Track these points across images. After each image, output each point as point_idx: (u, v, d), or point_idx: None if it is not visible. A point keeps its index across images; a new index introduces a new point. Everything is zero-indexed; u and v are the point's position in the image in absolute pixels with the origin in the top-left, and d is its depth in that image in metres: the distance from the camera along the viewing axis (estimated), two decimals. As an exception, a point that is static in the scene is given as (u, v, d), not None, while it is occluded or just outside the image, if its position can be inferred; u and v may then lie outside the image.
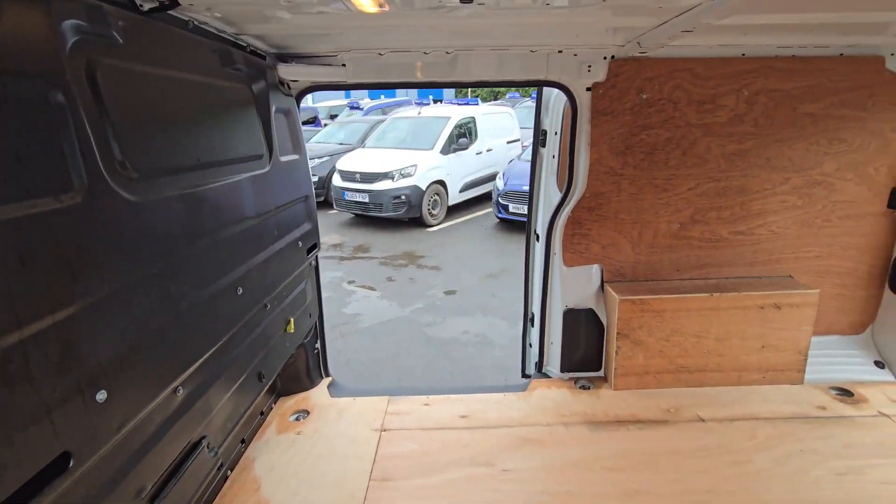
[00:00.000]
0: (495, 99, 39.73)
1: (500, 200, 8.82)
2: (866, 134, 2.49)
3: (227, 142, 1.81)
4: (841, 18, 1.87)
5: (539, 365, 3.07)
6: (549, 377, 3.01)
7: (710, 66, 2.37)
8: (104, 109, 1.21)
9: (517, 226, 9.11)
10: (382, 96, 26.05)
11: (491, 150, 10.88)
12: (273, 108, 2.21)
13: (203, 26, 1.70)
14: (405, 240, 8.97)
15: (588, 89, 2.44)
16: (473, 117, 10.65)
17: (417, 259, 7.92)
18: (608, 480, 2.15)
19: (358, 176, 9.64)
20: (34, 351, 0.98)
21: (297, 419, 2.69)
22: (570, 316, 2.86)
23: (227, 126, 1.83)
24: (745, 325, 2.64)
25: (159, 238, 1.39)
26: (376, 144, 10.89)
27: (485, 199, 11.17)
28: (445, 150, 9.85)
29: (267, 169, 2.11)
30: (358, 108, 19.52)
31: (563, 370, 2.95)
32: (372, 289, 6.80)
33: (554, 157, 2.92)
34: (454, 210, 10.38)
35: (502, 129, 11.40)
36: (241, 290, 1.81)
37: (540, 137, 2.94)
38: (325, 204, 10.73)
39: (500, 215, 9.00)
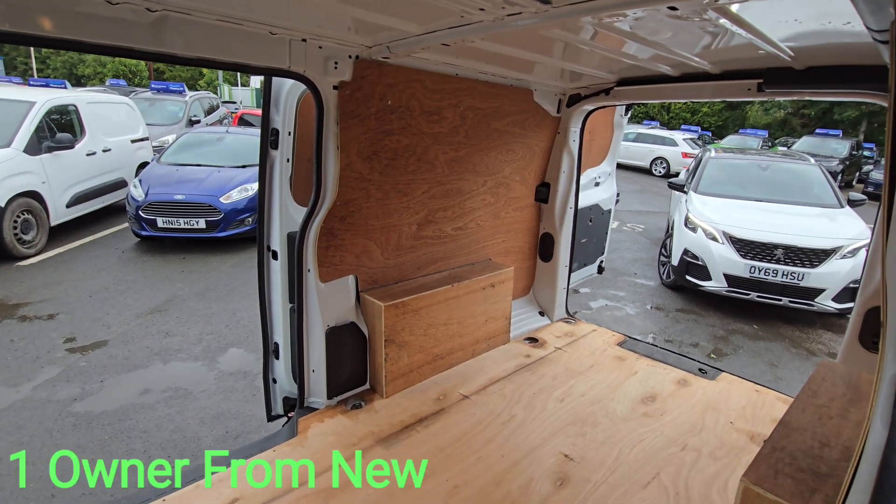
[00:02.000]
0: (79, 84, 31.27)
1: (143, 214, 7.00)
2: (525, 147, 3.34)
3: None
4: (512, 53, 2.37)
5: (300, 401, 2.66)
6: (314, 409, 2.64)
7: (437, 80, 2.60)
8: None
9: (171, 243, 7.52)
10: None
11: (109, 150, 8.44)
12: None
13: None
14: (-21, 284, 5.89)
15: (335, 87, 2.22)
16: (75, 105, 7.93)
17: (16, 309, 5.36)
18: (427, 490, 2.09)
19: None
20: None
21: None
22: (333, 335, 2.59)
23: None
24: (475, 305, 3.10)
25: None
26: None
27: (110, 213, 8.68)
28: (34, 149, 6.96)
29: None
30: None
31: (330, 396, 2.66)
32: (-70, 373, 4.14)
33: (288, 160, 2.53)
34: (61, 232, 7.57)
35: (121, 123, 9.02)
36: None
37: (270, 137, 2.48)
38: None
39: (143, 233, 7.15)
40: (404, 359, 2.78)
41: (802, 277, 5.61)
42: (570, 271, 3.83)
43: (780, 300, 5.74)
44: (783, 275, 5.66)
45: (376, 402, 2.71)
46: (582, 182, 4.04)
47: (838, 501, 0.95)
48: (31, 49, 34.03)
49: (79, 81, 34.33)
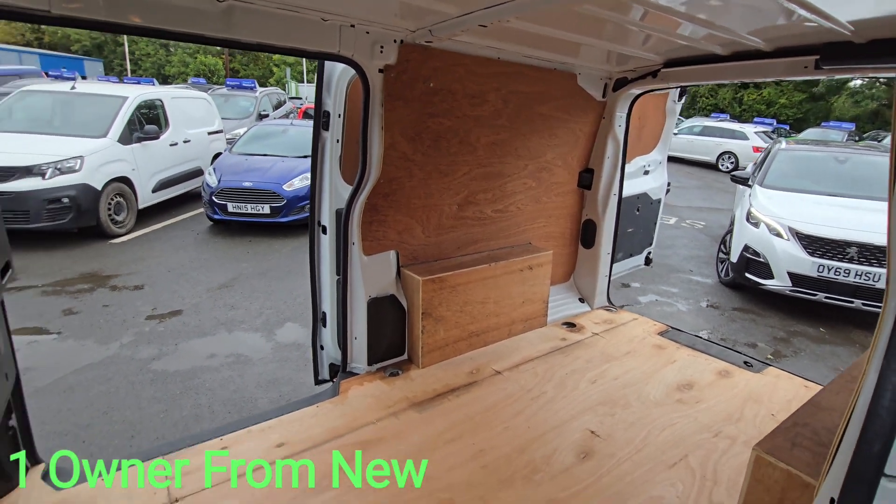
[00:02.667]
0: (165, 82, 34.03)
1: (215, 199, 7.63)
2: (568, 132, 3.35)
3: None
4: (555, 34, 2.40)
5: (343, 366, 2.87)
6: (356, 374, 2.85)
7: (480, 64, 2.69)
8: None
9: (239, 227, 8.13)
10: (-27, 61, 18.38)
11: (189, 141, 9.24)
12: None
13: None
14: (80, 258, 6.69)
15: (381, 71, 2.38)
16: (161, 100, 8.75)
17: (108, 279, 6.05)
18: (454, 452, 2.21)
19: (-27, 172, 6.55)
20: None
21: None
22: (374, 305, 2.77)
23: None
24: (512, 286, 3.18)
25: None
26: (-2, 127, 7.63)
27: (189, 199, 9.49)
28: (126, 139, 7.77)
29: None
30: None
31: (370, 363, 2.85)
32: (42, 329, 4.80)
33: (338, 141, 2.73)
34: (148, 215, 8.39)
35: (199, 117, 9.82)
36: None
37: (322, 119, 2.69)
38: None
39: (215, 216, 7.79)
40: (440, 333, 2.92)
41: (879, 278, 5.15)
42: (613, 260, 3.80)
43: (853, 302, 5.31)
44: (856, 275, 5.23)
45: (412, 371, 2.86)
46: (630, 170, 3.98)
47: (830, 453, 0.97)
48: (126, 51, 37.51)
49: (165, 80, 37.44)
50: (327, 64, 2.57)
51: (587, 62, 3.08)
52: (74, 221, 6.95)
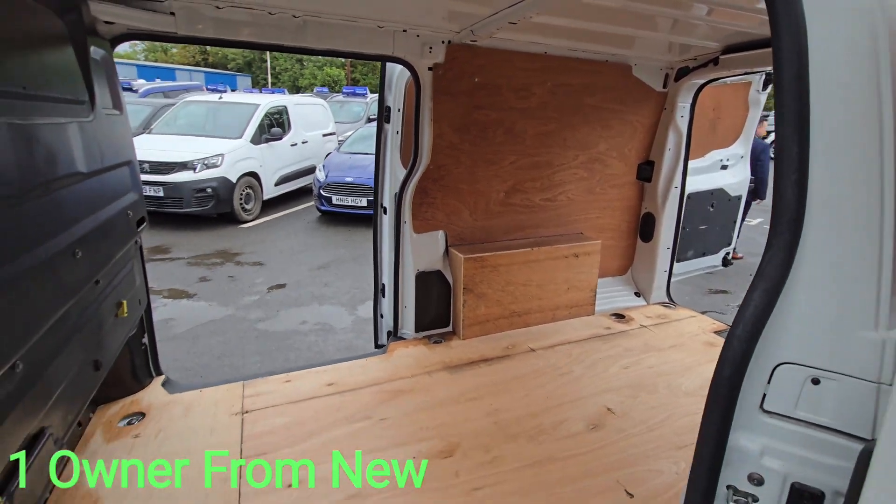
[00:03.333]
0: (298, 92, 38.28)
1: (322, 192, 8.66)
2: (624, 123, 3.38)
3: (47, 76, 1.50)
4: (602, 28, 2.50)
5: (395, 331, 3.25)
6: (404, 339, 3.21)
7: (525, 59, 2.90)
8: None
9: (342, 218, 9.09)
10: (158, 79, 22.72)
11: (307, 142, 10.53)
12: (91, 51, 1.86)
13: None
14: (216, 237, 8.06)
15: (430, 69, 2.71)
16: (285, 106, 10.14)
17: (235, 256, 7.23)
18: (472, 408, 2.46)
19: (147, 166, 8.22)
20: None
21: (128, 423, 2.31)
22: (422, 279, 3.11)
23: (42, 58, 1.50)
24: (557, 272, 3.30)
25: None
26: (166, 131, 9.45)
27: (303, 193, 10.79)
28: (256, 140, 9.15)
29: (91, 119, 1.78)
30: (130, 89, 16.41)
31: (417, 330, 3.19)
32: (183, 291, 5.97)
33: (398, 132, 3.12)
34: (270, 205, 9.75)
35: (317, 121, 11.14)
36: (79, 254, 1.51)
37: (384, 114, 3.11)
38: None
39: (322, 208, 8.83)
40: (481, 308, 3.17)
41: None
42: (676, 257, 3.68)
43: None
44: None
45: (454, 341, 3.15)
46: (705, 164, 3.84)
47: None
48: (269, 66, 43.03)
49: (298, 89, 42.27)
50: (388, 66, 2.97)
51: (643, 52, 3.09)
52: (214, 208, 8.39)
